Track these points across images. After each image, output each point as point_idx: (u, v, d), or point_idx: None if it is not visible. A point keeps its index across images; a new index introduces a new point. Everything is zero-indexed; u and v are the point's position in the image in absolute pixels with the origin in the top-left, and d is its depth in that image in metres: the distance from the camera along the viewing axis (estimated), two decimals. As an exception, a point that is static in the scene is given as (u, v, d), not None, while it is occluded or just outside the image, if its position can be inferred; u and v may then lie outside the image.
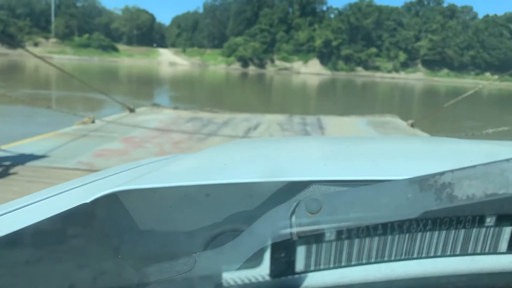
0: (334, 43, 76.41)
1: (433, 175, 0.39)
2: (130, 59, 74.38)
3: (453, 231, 0.41)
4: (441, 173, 0.39)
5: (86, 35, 78.10)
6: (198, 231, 0.61)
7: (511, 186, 0.36)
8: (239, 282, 0.43)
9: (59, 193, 0.68)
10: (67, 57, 68.73)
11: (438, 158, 0.74)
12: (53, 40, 77.05)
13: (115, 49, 79.80)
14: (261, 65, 78.19)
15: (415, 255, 0.42)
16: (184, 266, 0.47)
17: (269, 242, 0.41)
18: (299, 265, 0.42)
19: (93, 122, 7.36)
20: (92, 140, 6.05)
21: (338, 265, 0.42)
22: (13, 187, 3.84)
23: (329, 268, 0.42)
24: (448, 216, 0.39)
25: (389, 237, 0.41)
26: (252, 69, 75.46)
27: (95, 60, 69.47)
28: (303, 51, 79.36)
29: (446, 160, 0.69)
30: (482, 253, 0.42)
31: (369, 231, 0.40)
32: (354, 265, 0.42)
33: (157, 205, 0.62)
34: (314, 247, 0.41)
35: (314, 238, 0.41)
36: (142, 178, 0.66)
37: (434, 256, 0.42)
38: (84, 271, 0.51)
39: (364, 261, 0.42)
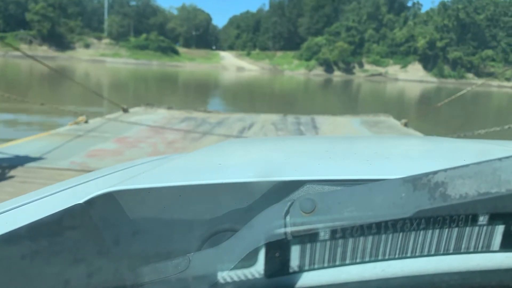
0: (439, 44, 61.63)
1: (427, 174, 0.40)
2: (191, 64, 66.19)
3: (447, 229, 0.41)
4: (434, 172, 0.39)
5: (144, 35, 69.23)
6: (192, 231, 0.61)
7: (503, 185, 0.37)
8: (234, 281, 0.43)
9: (52, 193, 0.68)
10: (122, 60, 62.50)
11: (431, 157, 0.75)
12: (106, 41, 68.94)
13: (175, 52, 70.93)
14: (348, 70, 64.50)
15: (409, 254, 0.42)
16: (179, 266, 0.47)
17: (264, 242, 0.41)
18: (294, 264, 0.42)
19: (86, 122, 7.32)
20: (85, 140, 6.02)
21: (332, 264, 0.42)
22: (6, 187, 3.81)
23: (323, 268, 0.42)
24: (441, 215, 0.40)
25: (383, 236, 0.41)
26: (337, 75, 61.83)
27: (154, 64, 61.47)
28: (400, 53, 65.00)
29: (439, 159, 0.70)
30: (475, 251, 0.42)
31: (363, 230, 0.40)
32: (349, 264, 0.42)
33: (151, 205, 0.62)
34: (308, 246, 0.41)
35: (308, 238, 0.41)
36: (136, 178, 0.66)
37: (428, 255, 0.42)
38: (78, 272, 0.50)
39: (358, 260, 0.42)
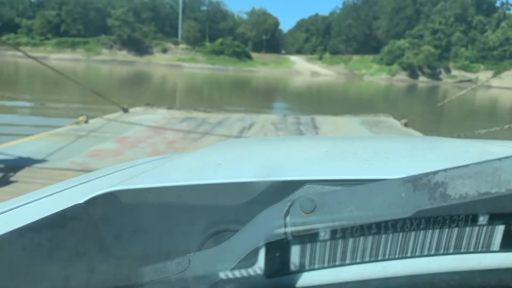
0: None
1: (427, 174, 0.40)
2: (265, 69, 63.96)
3: (447, 229, 0.41)
4: (434, 172, 0.39)
5: (219, 40, 68.96)
6: (192, 231, 0.61)
7: (503, 185, 0.37)
8: (234, 281, 0.43)
9: (52, 193, 0.68)
10: (199, 65, 62.02)
11: (431, 157, 0.75)
12: (182, 46, 69.17)
13: (249, 57, 69.78)
14: (434, 76, 59.26)
15: (409, 254, 0.42)
16: (179, 266, 0.47)
17: (264, 242, 0.41)
18: (294, 264, 0.42)
19: (86, 122, 7.32)
20: (85, 140, 6.02)
21: (332, 264, 0.42)
22: (6, 187, 3.81)
23: (323, 268, 0.42)
24: (441, 215, 0.40)
25: (383, 236, 0.41)
26: (422, 81, 56.97)
27: (230, 70, 60.69)
28: (493, 57, 58.73)
29: (439, 159, 0.70)
30: (475, 251, 0.42)
31: (363, 230, 0.40)
32: (349, 264, 0.42)
33: (152, 205, 0.62)
34: (308, 246, 0.42)
35: (308, 238, 0.41)
36: (136, 178, 0.66)
37: (428, 255, 0.42)
38: (78, 271, 0.51)
39: (358, 260, 0.42)
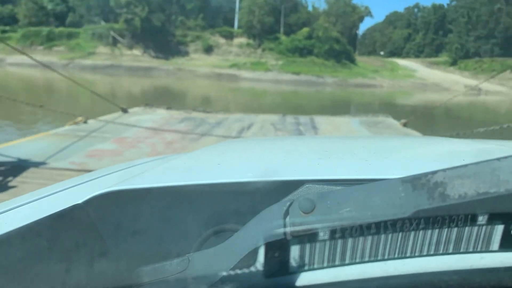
0: None
1: (426, 174, 0.40)
2: (383, 80, 37.67)
3: (446, 229, 0.41)
4: (433, 172, 0.40)
5: (305, 30, 40.34)
6: (191, 231, 0.61)
7: (502, 184, 0.37)
8: (233, 282, 0.43)
9: (51, 193, 0.68)
10: (271, 75, 34.70)
11: (430, 157, 0.75)
12: (240, 40, 40.40)
13: (352, 60, 42.48)
14: None
15: (408, 254, 0.42)
16: (178, 267, 0.47)
17: (263, 242, 0.41)
18: (293, 264, 0.42)
19: (85, 122, 7.32)
20: (84, 141, 6.02)
21: (332, 264, 0.42)
22: (5, 188, 3.80)
23: (323, 268, 0.42)
24: (440, 215, 0.40)
25: (382, 236, 0.41)
26: None
27: (329, 82, 34.72)
28: None
29: (438, 159, 0.70)
30: (474, 251, 0.42)
31: (362, 230, 0.40)
32: (348, 264, 0.42)
33: (151, 206, 0.62)
34: (307, 246, 0.42)
35: (307, 238, 0.41)
36: (135, 178, 0.66)
37: (427, 255, 0.42)
38: (77, 272, 0.51)
39: (357, 260, 0.42)
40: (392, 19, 68.44)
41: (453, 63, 46.95)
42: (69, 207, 0.55)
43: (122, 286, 0.49)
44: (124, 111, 9.04)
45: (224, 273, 0.43)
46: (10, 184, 3.91)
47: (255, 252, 0.42)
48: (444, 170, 0.39)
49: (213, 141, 6.20)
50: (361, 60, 45.34)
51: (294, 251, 0.42)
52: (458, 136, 6.04)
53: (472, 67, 44.34)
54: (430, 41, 57.65)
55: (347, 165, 0.65)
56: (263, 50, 39.31)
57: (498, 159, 0.38)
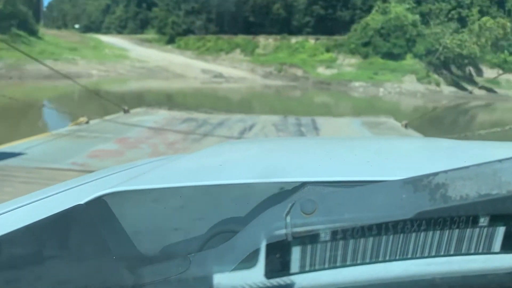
0: None
1: (427, 176, 0.40)
2: (95, 64, 26.17)
3: (447, 231, 0.41)
4: (435, 174, 0.40)
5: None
6: (193, 232, 0.61)
7: (504, 186, 0.37)
8: (234, 283, 0.43)
9: (53, 194, 0.68)
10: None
11: (431, 158, 0.75)
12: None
13: (33, 32, 27.74)
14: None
15: (409, 255, 0.42)
16: (179, 267, 0.47)
17: (264, 243, 0.41)
18: (294, 265, 0.42)
19: (87, 122, 7.33)
20: (86, 141, 6.02)
21: (333, 265, 0.42)
22: (6, 188, 3.81)
23: (324, 269, 0.42)
24: (442, 216, 0.40)
25: (384, 238, 0.41)
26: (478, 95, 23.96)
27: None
28: None
29: (439, 161, 0.70)
30: (476, 253, 0.42)
31: (363, 231, 0.40)
32: (349, 265, 0.42)
33: (152, 206, 0.62)
34: (309, 247, 0.42)
35: (309, 239, 0.41)
36: (137, 179, 0.66)
37: (429, 256, 0.42)
38: (79, 272, 0.51)
39: (359, 262, 0.42)
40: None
41: (171, 40, 37.78)
42: (71, 207, 0.55)
43: (124, 286, 0.49)
44: (126, 111, 9.05)
45: (225, 274, 0.43)
46: (12, 184, 3.91)
47: (256, 253, 0.42)
48: (445, 171, 0.39)
49: (215, 142, 6.20)
50: (50, 33, 33.57)
51: (296, 252, 0.42)
52: (459, 137, 6.03)
53: (195, 46, 36.20)
54: (134, 14, 45.25)
55: (349, 166, 0.65)
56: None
57: (500, 160, 0.38)
